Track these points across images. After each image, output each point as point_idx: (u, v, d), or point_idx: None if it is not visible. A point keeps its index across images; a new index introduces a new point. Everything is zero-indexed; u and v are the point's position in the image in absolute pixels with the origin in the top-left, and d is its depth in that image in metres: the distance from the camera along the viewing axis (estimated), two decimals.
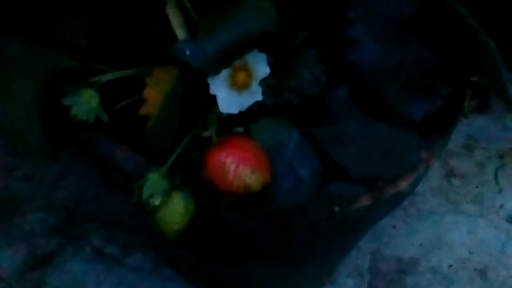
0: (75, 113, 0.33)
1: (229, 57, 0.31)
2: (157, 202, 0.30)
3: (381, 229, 0.66)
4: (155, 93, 0.34)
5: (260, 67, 0.32)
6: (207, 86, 0.33)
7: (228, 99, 0.32)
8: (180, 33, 0.34)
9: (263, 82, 0.32)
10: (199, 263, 0.46)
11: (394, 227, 0.67)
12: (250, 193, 0.30)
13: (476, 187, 0.71)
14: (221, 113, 0.32)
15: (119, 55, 0.36)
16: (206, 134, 0.32)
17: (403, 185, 0.32)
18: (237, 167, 0.29)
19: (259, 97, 0.32)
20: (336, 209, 0.31)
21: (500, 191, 0.70)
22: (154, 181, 0.30)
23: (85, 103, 0.33)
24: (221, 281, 0.50)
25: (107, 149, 0.34)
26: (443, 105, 0.33)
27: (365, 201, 0.31)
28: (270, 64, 0.32)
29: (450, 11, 0.29)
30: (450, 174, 0.72)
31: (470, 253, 0.65)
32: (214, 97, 0.33)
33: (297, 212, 0.31)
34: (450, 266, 0.63)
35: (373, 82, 0.32)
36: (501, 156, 0.73)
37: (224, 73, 0.32)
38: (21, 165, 0.71)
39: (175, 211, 0.29)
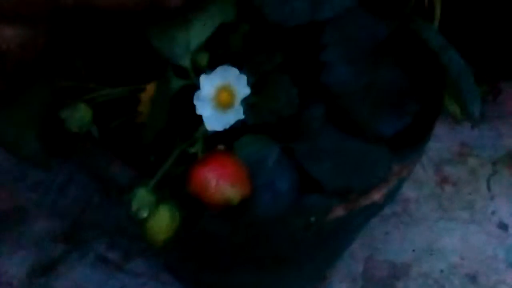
0: (69, 126, 0.36)
1: None
2: (144, 214, 0.32)
3: (374, 235, 0.68)
4: (148, 107, 0.37)
5: (241, 87, 0.34)
6: (193, 107, 0.35)
7: (213, 118, 0.35)
8: None
9: (245, 102, 0.34)
10: (193, 269, 0.49)
11: (387, 233, 0.68)
12: (230, 205, 0.32)
13: (469, 194, 0.72)
14: (207, 130, 0.35)
15: (115, 75, 0.39)
16: (192, 150, 0.34)
17: (376, 196, 0.35)
18: (218, 181, 0.32)
19: (241, 116, 0.34)
20: (312, 219, 0.33)
21: (492, 198, 0.72)
22: (141, 196, 0.33)
23: (79, 117, 0.36)
24: (217, 286, 0.52)
25: (101, 163, 0.37)
26: (416, 120, 0.35)
27: (339, 211, 0.34)
28: (250, 85, 0.34)
29: (415, 36, 0.31)
30: (443, 181, 0.73)
31: (461, 258, 0.66)
32: (200, 116, 0.35)
33: (276, 223, 0.34)
34: (442, 271, 0.65)
35: (346, 101, 0.34)
36: (494, 164, 0.75)
37: (209, 93, 0.35)
38: (28, 175, 0.74)
39: (161, 222, 0.32)
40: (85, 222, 0.69)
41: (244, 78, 0.34)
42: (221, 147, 0.34)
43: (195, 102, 0.34)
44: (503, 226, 0.69)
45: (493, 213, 0.70)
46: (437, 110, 0.36)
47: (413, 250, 0.67)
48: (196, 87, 0.36)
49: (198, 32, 0.36)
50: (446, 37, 0.33)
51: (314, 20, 0.32)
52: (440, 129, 0.77)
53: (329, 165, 0.33)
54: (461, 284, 0.64)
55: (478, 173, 0.74)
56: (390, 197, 0.36)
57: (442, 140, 0.77)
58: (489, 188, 0.72)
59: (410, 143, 0.36)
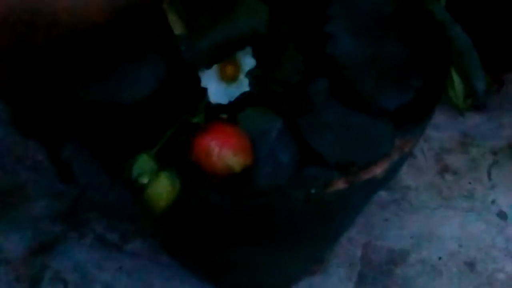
0: None
1: (221, 54, 0.34)
2: (145, 180, 0.32)
3: (373, 222, 0.68)
4: None
5: (247, 60, 0.34)
6: (198, 78, 0.35)
7: (218, 90, 0.35)
8: (177, 29, 0.37)
9: (250, 74, 0.34)
10: (190, 247, 0.49)
11: (386, 220, 0.68)
12: (232, 174, 0.32)
13: (469, 183, 0.72)
14: (211, 102, 0.35)
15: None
16: (194, 120, 0.34)
17: (377, 171, 0.34)
18: (220, 150, 0.32)
19: (246, 88, 0.34)
20: (312, 191, 0.33)
21: (492, 187, 0.71)
22: (143, 162, 0.33)
23: None
24: (213, 267, 0.52)
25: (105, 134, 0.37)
26: (420, 95, 0.35)
27: (340, 184, 0.34)
28: (256, 56, 0.34)
29: (420, 8, 0.31)
30: (443, 170, 0.73)
31: (460, 246, 0.66)
32: (205, 88, 0.35)
33: (276, 194, 0.33)
34: (440, 258, 0.65)
35: (350, 74, 0.34)
36: (495, 153, 0.75)
37: (214, 66, 0.35)
38: (28, 155, 0.74)
39: (161, 189, 0.32)
40: (84, 203, 0.69)
41: (249, 50, 0.34)
42: (223, 116, 0.34)
43: (200, 74, 0.34)
44: (502, 215, 0.69)
45: (493, 202, 0.70)
46: (441, 86, 0.36)
47: (412, 237, 0.67)
48: None
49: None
50: None
51: None
52: (442, 119, 0.77)
53: (332, 138, 0.33)
54: (459, 271, 0.64)
55: (478, 163, 0.74)
56: (391, 173, 0.36)
57: (444, 129, 0.77)
58: (489, 178, 0.72)
59: (412, 118, 0.36)
